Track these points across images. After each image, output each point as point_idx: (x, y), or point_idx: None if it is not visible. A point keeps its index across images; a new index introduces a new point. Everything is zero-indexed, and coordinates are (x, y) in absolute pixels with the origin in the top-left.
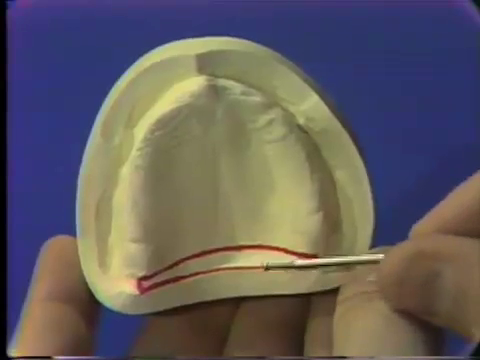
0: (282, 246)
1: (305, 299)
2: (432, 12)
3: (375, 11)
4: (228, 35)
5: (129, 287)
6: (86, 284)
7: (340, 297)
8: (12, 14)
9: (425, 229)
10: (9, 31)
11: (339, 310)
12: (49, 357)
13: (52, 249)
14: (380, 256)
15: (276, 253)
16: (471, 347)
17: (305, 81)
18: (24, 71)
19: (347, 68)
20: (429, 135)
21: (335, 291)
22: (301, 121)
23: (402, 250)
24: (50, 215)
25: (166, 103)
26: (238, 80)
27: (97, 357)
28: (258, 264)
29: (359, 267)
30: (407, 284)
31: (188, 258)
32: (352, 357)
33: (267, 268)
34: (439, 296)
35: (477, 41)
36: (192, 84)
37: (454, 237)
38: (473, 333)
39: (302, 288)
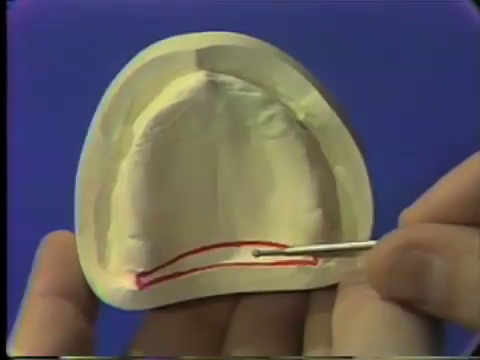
0: (281, 242)
1: (304, 295)
2: (432, 12)
3: (375, 11)
4: (228, 30)
5: (128, 283)
6: (85, 279)
7: (339, 293)
8: (12, 14)
9: (414, 216)
10: (9, 31)
11: (338, 306)
12: (49, 357)
13: (51, 244)
14: (373, 243)
15: (275, 249)
16: (471, 347)
17: (305, 77)
18: (24, 71)
19: (347, 67)
20: (429, 133)
21: (334, 287)
22: (301, 117)
23: (391, 240)
24: (50, 213)
25: (165, 99)
26: (238, 76)
27: (97, 357)
28: (257, 260)
29: (358, 263)
30: (396, 274)
31: (187, 254)
32: (353, 357)
33: (258, 255)
34: (429, 286)
35: (477, 41)
36: (192, 79)
37: (444, 226)
38: (465, 321)
39: (301, 284)
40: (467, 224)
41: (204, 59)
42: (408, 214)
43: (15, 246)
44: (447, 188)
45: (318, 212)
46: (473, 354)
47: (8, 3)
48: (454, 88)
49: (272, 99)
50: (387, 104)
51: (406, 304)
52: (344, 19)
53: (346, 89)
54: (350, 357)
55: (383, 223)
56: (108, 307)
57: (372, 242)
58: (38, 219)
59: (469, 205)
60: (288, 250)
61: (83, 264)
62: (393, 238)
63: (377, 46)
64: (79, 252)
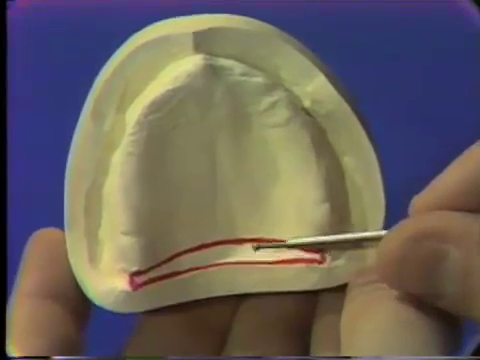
0: (286, 239)
1: (311, 297)
2: (432, 12)
3: (375, 11)
4: (228, 12)
5: (121, 283)
6: (75, 280)
7: (348, 294)
8: (12, 14)
9: (425, 203)
10: (9, 31)
11: (347, 309)
12: (50, 357)
13: (39, 242)
14: (383, 233)
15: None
16: (471, 347)
17: (311, 60)
18: (24, 71)
19: (347, 67)
20: (429, 133)
21: (343, 288)
22: (306, 104)
23: (403, 229)
24: (50, 213)
25: (160, 84)
26: (238, 59)
27: (99, 357)
28: (260, 258)
29: (369, 260)
30: (408, 266)
31: (184, 252)
32: (355, 357)
33: (257, 248)
34: (444, 278)
35: (477, 41)
36: (189, 64)
37: (459, 214)
38: None
39: (307, 285)
40: (473, 211)
41: (202, 42)
42: (419, 201)
43: (15, 246)
44: (454, 175)
45: (325, 206)
46: (473, 354)
47: (8, 3)
48: (454, 88)
49: (275, 84)
50: (386, 103)
51: (420, 304)
52: (344, 19)
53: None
54: (353, 357)
55: (395, 216)
56: (100, 309)
57: (382, 232)
58: (39, 219)
59: (476, 192)
60: (289, 242)
61: (73, 263)
62: (404, 227)
63: (377, 46)
64: (68, 250)
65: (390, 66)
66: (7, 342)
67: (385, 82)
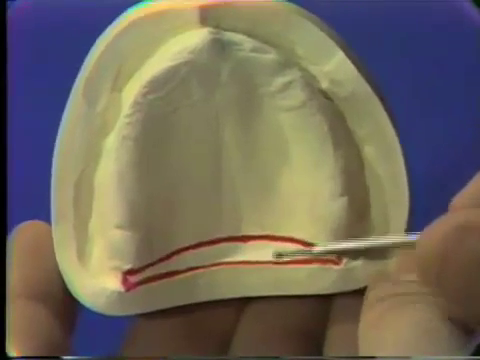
0: (297, 237)
1: (324, 301)
2: (432, 12)
3: (375, 11)
4: None
5: (113, 283)
6: (62, 279)
7: (367, 300)
8: (12, 14)
9: (466, 200)
10: (9, 31)
11: (365, 316)
12: (52, 357)
13: (22, 236)
14: (415, 237)
15: (290, 245)
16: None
17: (330, 37)
18: (24, 71)
19: None
20: (428, 134)
21: (361, 292)
22: (324, 85)
23: (443, 224)
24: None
25: (161, 60)
26: (249, 34)
27: (100, 357)
28: (267, 258)
29: (389, 263)
30: (449, 264)
31: (184, 249)
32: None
33: (278, 256)
34: None
35: (477, 41)
36: (193, 37)
37: None
38: None
39: (321, 288)
40: None
41: (209, 16)
42: (459, 199)
43: None
44: None
45: (342, 200)
46: (473, 354)
47: (8, 3)
48: (454, 88)
49: (289, 63)
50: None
51: (442, 311)
52: (344, 19)
53: None
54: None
55: (421, 212)
56: (89, 311)
57: (415, 236)
58: (38, 218)
59: None
60: (316, 250)
61: (60, 260)
62: (445, 223)
63: (376, 46)
64: (55, 245)
65: (388, 66)
66: (7, 342)
67: (380, 84)
